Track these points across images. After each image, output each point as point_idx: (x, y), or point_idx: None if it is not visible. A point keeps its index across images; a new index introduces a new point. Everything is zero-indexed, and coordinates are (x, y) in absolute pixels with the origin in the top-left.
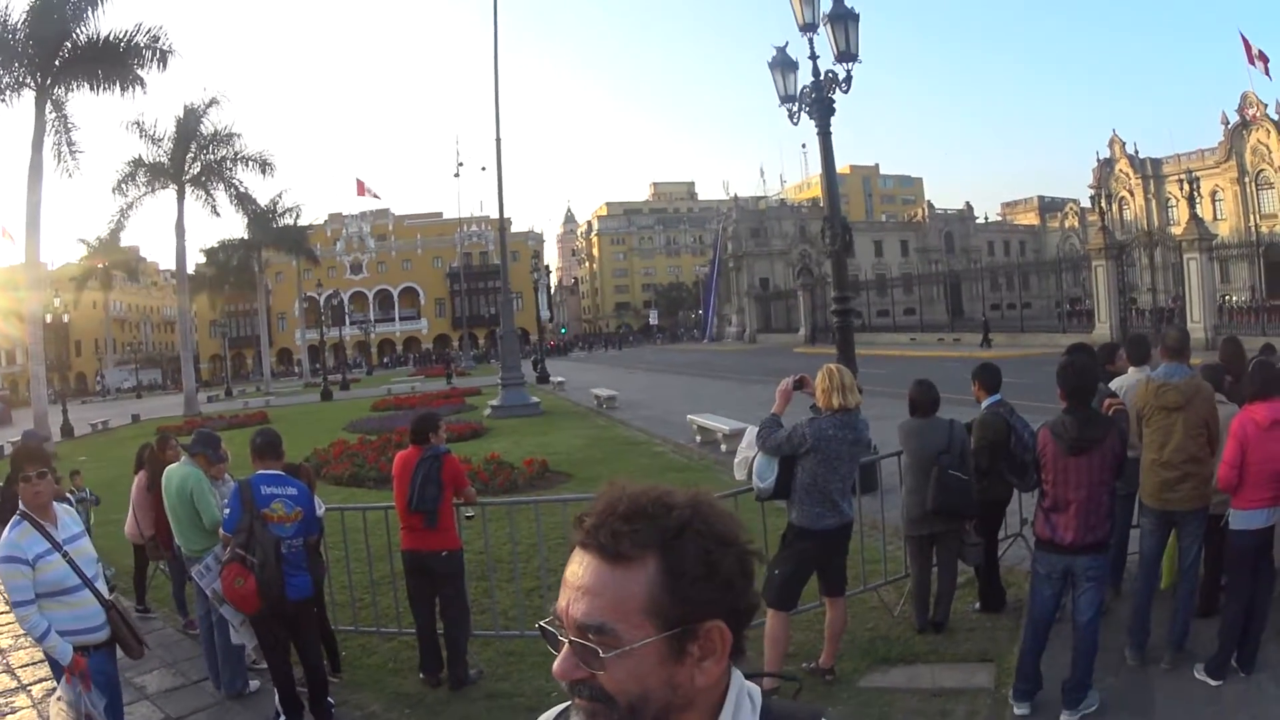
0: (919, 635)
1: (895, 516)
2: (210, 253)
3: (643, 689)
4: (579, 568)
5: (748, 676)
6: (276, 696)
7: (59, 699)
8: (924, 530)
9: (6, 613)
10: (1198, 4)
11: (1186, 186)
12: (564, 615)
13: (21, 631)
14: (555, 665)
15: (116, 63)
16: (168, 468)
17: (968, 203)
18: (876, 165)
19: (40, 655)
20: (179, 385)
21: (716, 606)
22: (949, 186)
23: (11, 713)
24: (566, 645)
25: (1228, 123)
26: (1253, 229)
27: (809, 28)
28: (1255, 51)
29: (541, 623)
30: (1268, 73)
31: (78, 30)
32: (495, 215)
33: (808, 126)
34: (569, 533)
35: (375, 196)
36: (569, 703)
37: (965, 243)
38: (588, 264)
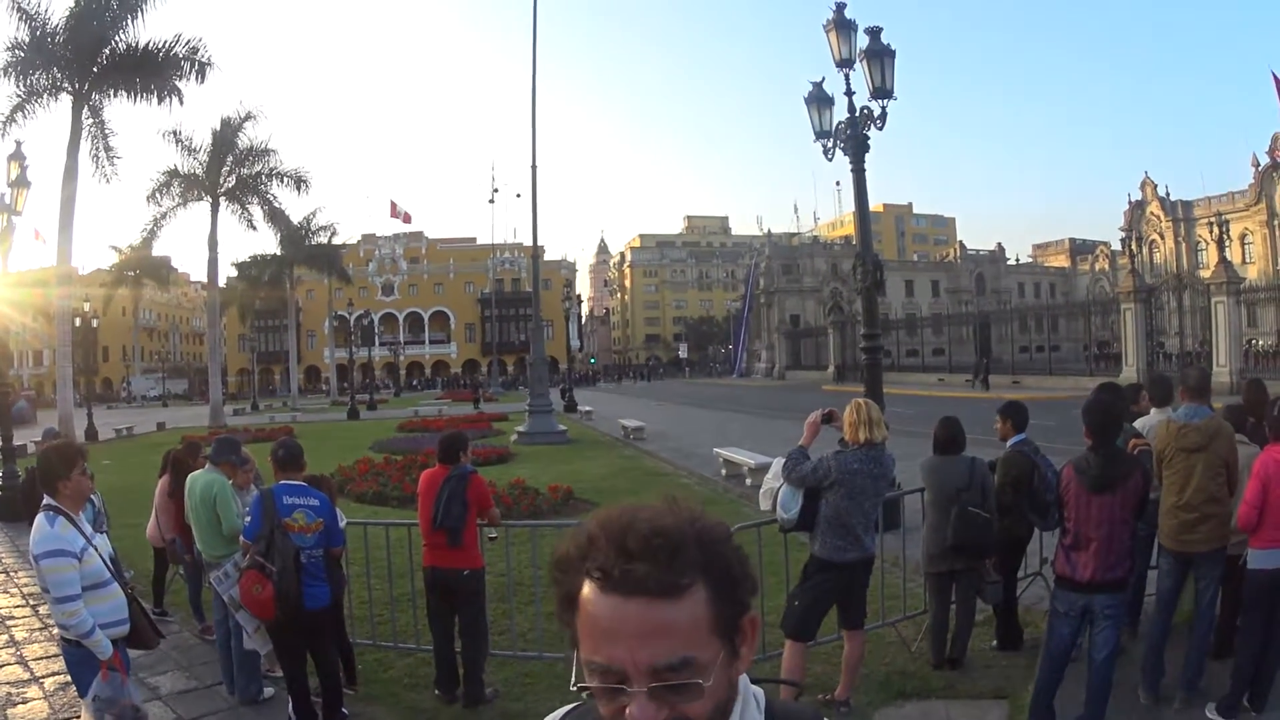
0: (935, 671)
1: (916, 553)
2: (242, 266)
3: (717, 701)
4: (625, 614)
5: (751, 681)
6: (290, 705)
7: (94, 698)
8: (944, 567)
9: (22, 606)
10: (1229, 46)
11: (1216, 229)
12: (627, 666)
13: (38, 625)
14: (636, 716)
15: (155, 72)
16: (192, 473)
17: (999, 244)
18: (910, 204)
19: (55, 649)
20: (205, 396)
21: (747, 599)
22: (981, 227)
23: (23, 703)
24: (640, 697)
25: (1258, 165)
26: None
27: (845, 63)
28: None
29: (590, 684)
30: None
31: (117, 38)
32: (528, 242)
33: (842, 163)
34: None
35: (406, 220)
36: (573, 705)
37: (996, 284)
38: (619, 295)
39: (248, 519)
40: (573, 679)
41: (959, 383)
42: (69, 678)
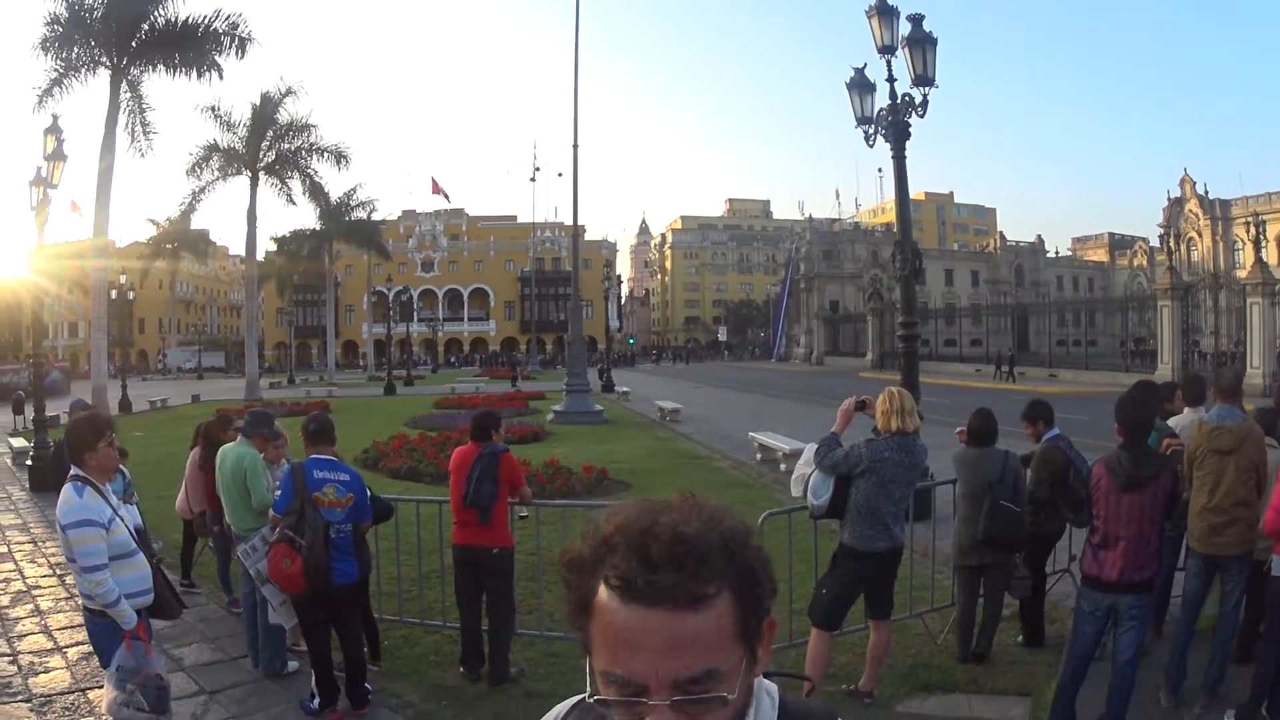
0: (960, 665)
1: (946, 545)
2: (281, 241)
3: (738, 707)
4: (646, 626)
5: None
6: (313, 678)
7: (118, 668)
8: (973, 560)
9: (49, 575)
10: (1271, 47)
11: (1252, 230)
12: (649, 679)
13: (64, 595)
14: None
15: (194, 48)
16: (224, 446)
17: (1039, 236)
18: (951, 194)
19: (79, 619)
20: (241, 369)
21: (767, 603)
22: (1021, 218)
23: (45, 672)
24: (662, 709)
25: None
26: None
27: (887, 50)
28: None
29: (602, 697)
30: None
31: (156, 12)
32: (569, 222)
33: (883, 150)
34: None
35: (446, 198)
36: (580, 696)
37: (1035, 276)
38: (659, 276)
39: (278, 493)
40: (587, 688)
41: (1001, 374)
42: (91, 648)
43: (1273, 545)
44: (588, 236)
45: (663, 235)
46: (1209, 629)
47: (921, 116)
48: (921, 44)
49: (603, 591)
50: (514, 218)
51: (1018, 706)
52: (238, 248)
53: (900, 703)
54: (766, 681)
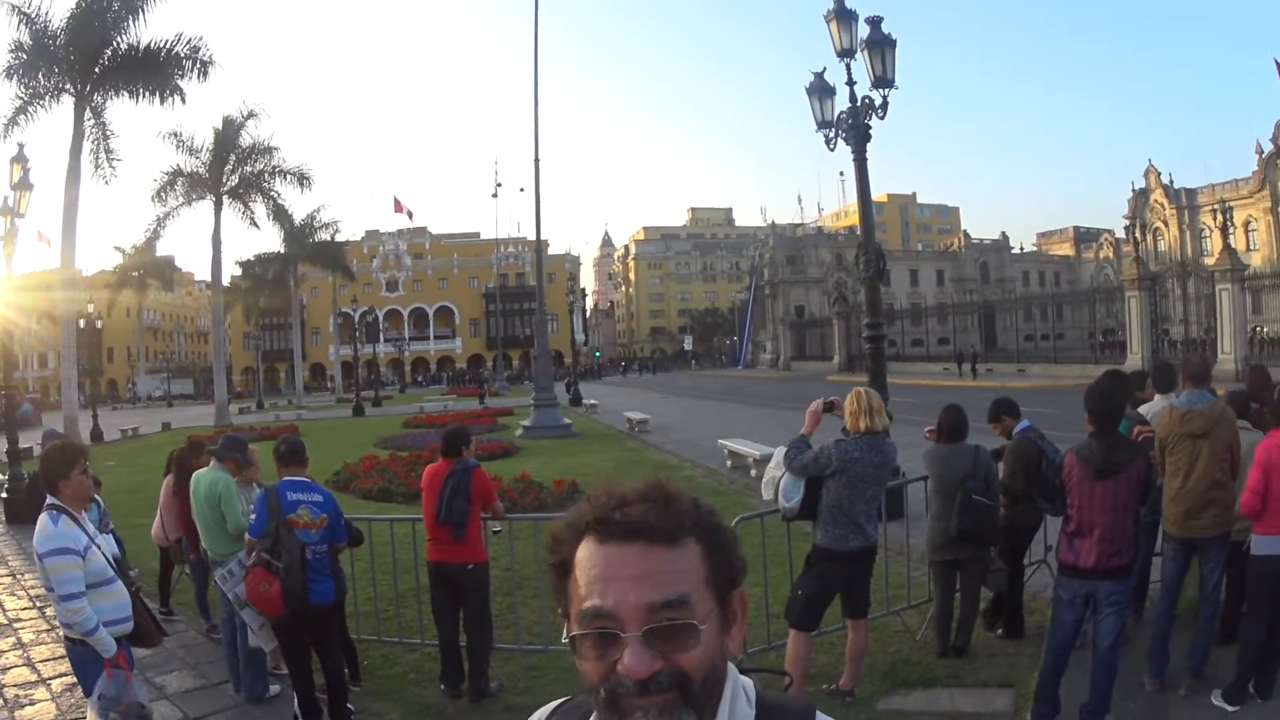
0: (940, 659)
1: (920, 542)
2: (246, 265)
3: (712, 661)
4: (624, 559)
5: (740, 672)
6: (295, 701)
7: (99, 697)
8: (948, 555)
9: (29, 608)
10: (1234, 34)
11: (1220, 217)
12: (622, 608)
13: (45, 627)
14: (629, 664)
15: (156, 72)
16: (197, 472)
17: (1003, 233)
18: (914, 194)
19: (61, 651)
20: (210, 396)
21: (738, 575)
22: (985, 216)
23: (30, 704)
24: (635, 642)
25: (1262, 152)
26: None
27: (846, 53)
28: None
29: (576, 632)
30: None
31: (118, 38)
32: (532, 237)
33: (845, 153)
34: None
35: (409, 216)
36: (561, 700)
37: (1001, 273)
38: (624, 288)
39: (253, 516)
40: (564, 636)
41: (965, 371)
42: (75, 679)
43: (1250, 525)
44: (551, 251)
45: (626, 247)
46: (1189, 612)
47: (882, 118)
48: (880, 46)
49: (581, 548)
50: (477, 234)
51: (1001, 698)
52: (203, 273)
53: (882, 700)
54: (743, 677)
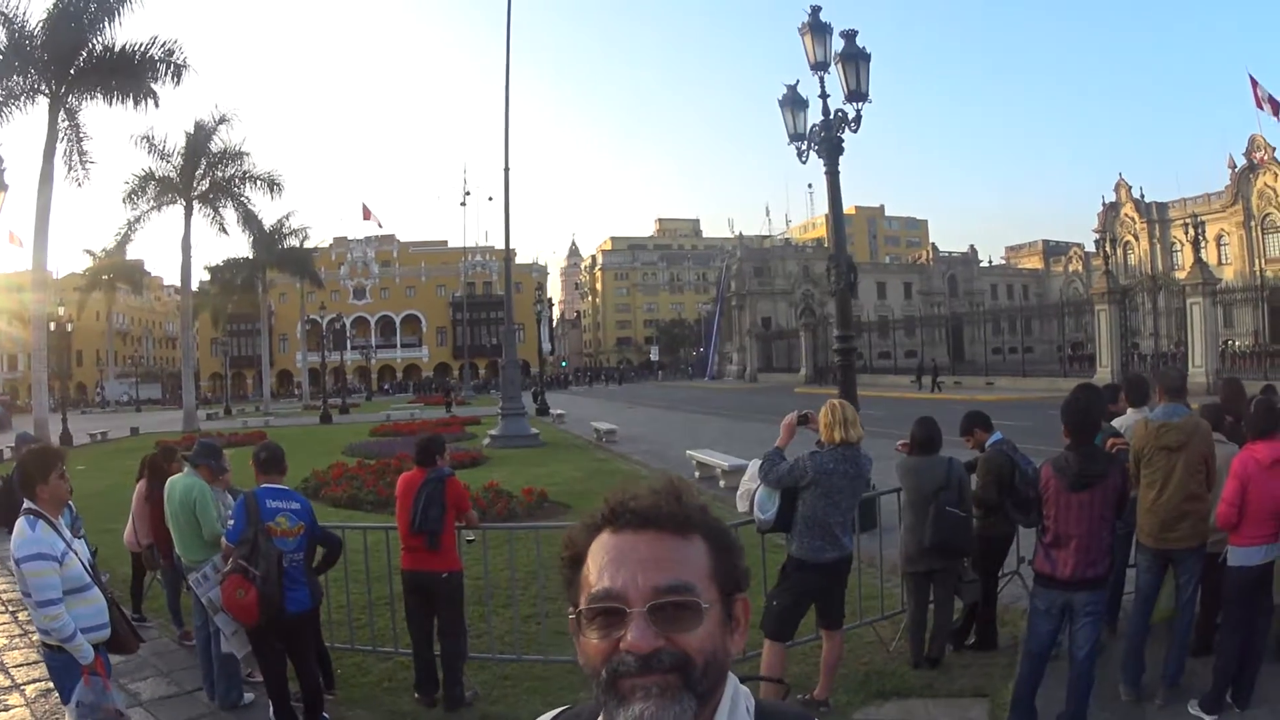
0: (914, 670)
1: (893, 553)
2: (215, 270)
3: (714, 649)
4: (635, 545)
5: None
6: (270, 709)
7: (77, 704)
8: (921, 567)
9: (2, 613)
10: (1205, 48)
11: (1192, 231)
12: (630, 589)
13: (18, 632)
14: (632, 639)
15: (130, 75)
16: (172, 478)
17: (972, 246)
18: (882, 206)
19: (35, 656)
20: (178, 401)
21: (742, 580)
22: (954, 229)
23: (4, 710)
24: (639, 618)
25: (1234, 166)
26: (1258, 273)
27: (820, 66)
28: (1264, 95)
29: (585, 607)
30: (1276, 114)
31: (94, 40)
32: (500, 245)
33: (814, 166)
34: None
35: (379, 224)
36: (561, 709)
37: (969, 286)
38: (591, 298)
39: (231, 522)
40: (569, 618)
41: (925, 384)
42: (50, 684)
43: (1226, 537)
44: (518, 260)
45: (593, 257)
46: (1163, 622)
47: (855, 131)
48: (855, 60)
49: (595, 541)
50: (445, 243)
51: (976, 708)
52: (172, 278)
53: (857, 710)
54: (742, 686)
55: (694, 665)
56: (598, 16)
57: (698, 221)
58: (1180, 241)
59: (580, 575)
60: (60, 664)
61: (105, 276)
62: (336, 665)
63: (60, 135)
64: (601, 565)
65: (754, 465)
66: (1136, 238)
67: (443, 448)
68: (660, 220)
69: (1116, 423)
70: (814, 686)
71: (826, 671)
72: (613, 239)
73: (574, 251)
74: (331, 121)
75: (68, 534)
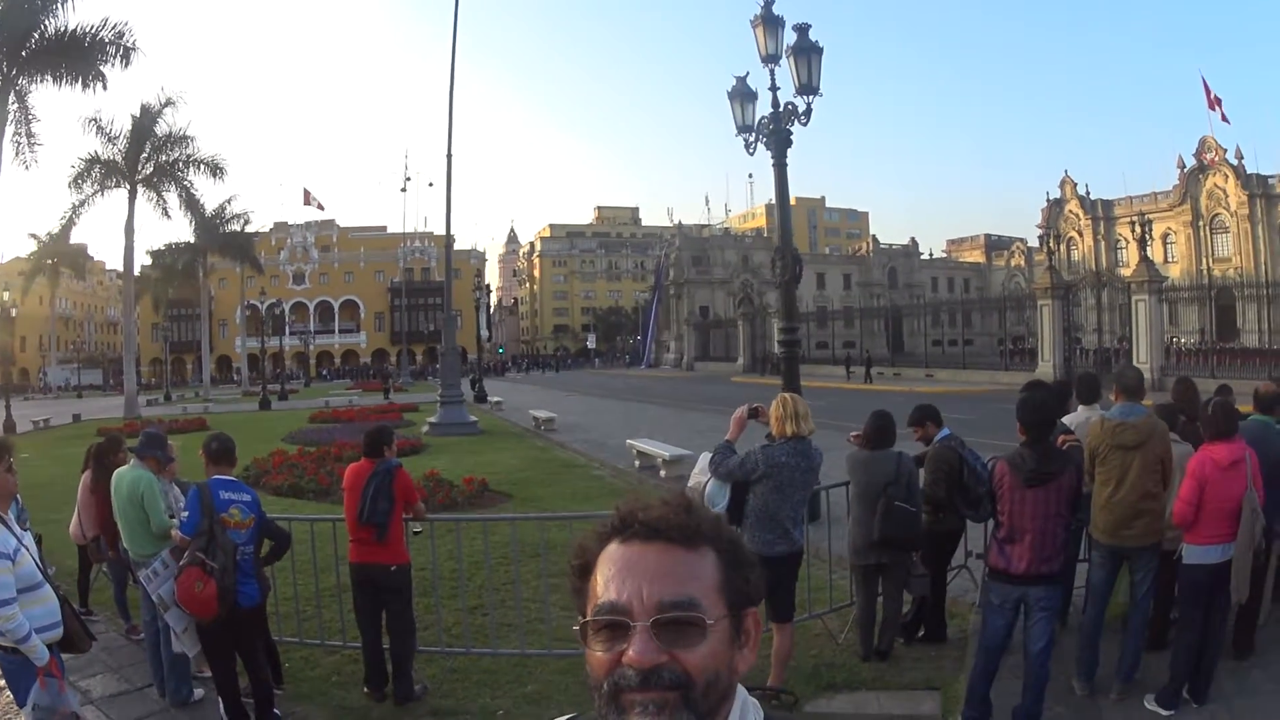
0: (864, 663)
1: (840, 545)
2: (156, 255)
3: (717, 668)
4: (642, 556)
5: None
6: (221, 705)
7: (34, 707)
8: (870, 560)
9: None
10: (1155, 46)
11: (1139, 229)
12: (635, 602)
13: None
14: (634, 654)
15: (80, 57)
16: (118, 470)
17: (913, 238)
18: (822, 198)
19: None
20: (119, 387)
21: (754, 594)
22: (895, 222)
23: None
24: (642, 632)
25: (1184, 166)
26: (1204, 272)
27: (771, 59)
28: (1214, 96)
29: (590, 618)
30: (1225, 117)
31: (46, 22)
32: (439, 231)
33: (758, 156)
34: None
35: (320, 208)
36: (567, 717)
37: (909, 278)
38: (528, 285)
39: (185, 514)
40: (577, 630)
41: (857, 375)
42: (3, 686)
43: (1181, 535)
44: (458, 246)
45: (531, 244)
46: (1115, 618)
47: (805, 124)
48: (807, 53)
49: (604, 551)
50: (384, 228)
51: (928, 701)
52: (114, 262)
53: (809, 703)
54: (750, 697)
55: (695, 685)
56: (539, 3)
57: (637, 210)
58: (1126, 239)
59: (588, 585)
60: (14, 666)
61: (49, 261)
62: (284, 659)
63: (9, 118)
64: (608, 576)
65: (704, 458)
66: (1081, 234)
67: (391, 439)
68: (599, 208)
69: (1067, 420)
70: (764, 680)
71: (777, 664)
72: (551, 226)
73: (512, 238)
74: (273, 106)
75: (18, 529)
